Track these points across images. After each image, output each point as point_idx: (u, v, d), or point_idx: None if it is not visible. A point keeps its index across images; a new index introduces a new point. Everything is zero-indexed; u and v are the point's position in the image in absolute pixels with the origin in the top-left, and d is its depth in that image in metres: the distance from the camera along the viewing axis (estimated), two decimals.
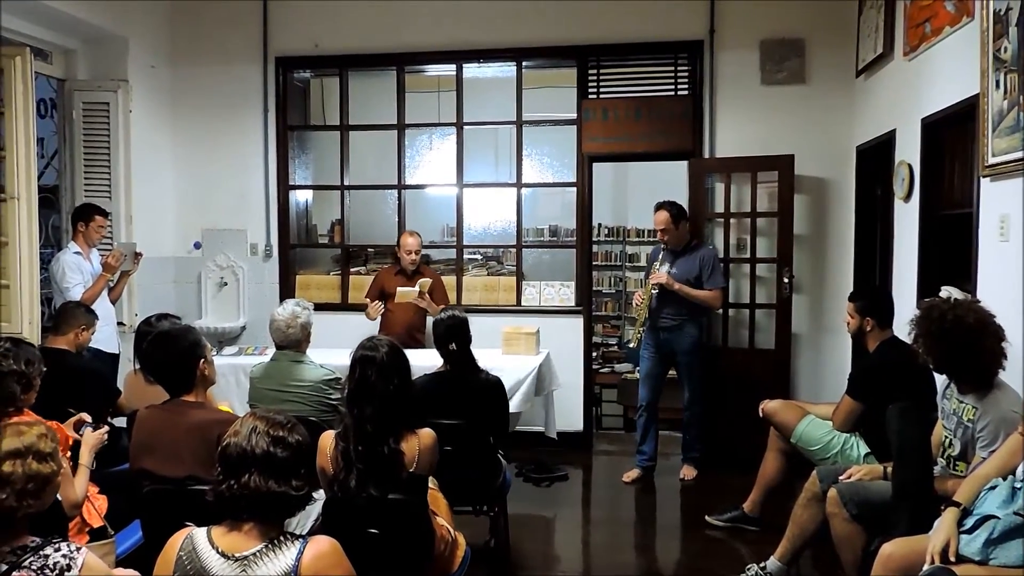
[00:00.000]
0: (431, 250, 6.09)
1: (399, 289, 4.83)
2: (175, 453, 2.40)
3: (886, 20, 4.21)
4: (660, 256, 4.67)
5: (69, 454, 2.61)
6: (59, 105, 5.23)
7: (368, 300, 5.04)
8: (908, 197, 3.93)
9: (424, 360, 3.54)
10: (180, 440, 2.41)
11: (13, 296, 4.13)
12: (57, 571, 1.55)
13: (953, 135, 3.54)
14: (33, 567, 1.55)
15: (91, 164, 5.11)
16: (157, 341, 2.68)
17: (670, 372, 4.80)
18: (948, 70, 3.46)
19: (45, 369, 2.66)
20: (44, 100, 5.56)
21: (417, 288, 4.78)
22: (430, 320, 4.95)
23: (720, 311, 5.02)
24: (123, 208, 5.10)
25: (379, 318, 5.00)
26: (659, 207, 4.62)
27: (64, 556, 1.58)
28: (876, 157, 4.54)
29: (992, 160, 2.97)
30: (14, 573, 1.53)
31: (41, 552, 1.57)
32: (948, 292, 3.09)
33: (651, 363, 4.70)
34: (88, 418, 2.88)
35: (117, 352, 4.58)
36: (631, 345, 5.01)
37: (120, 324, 4.86)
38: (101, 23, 4.93)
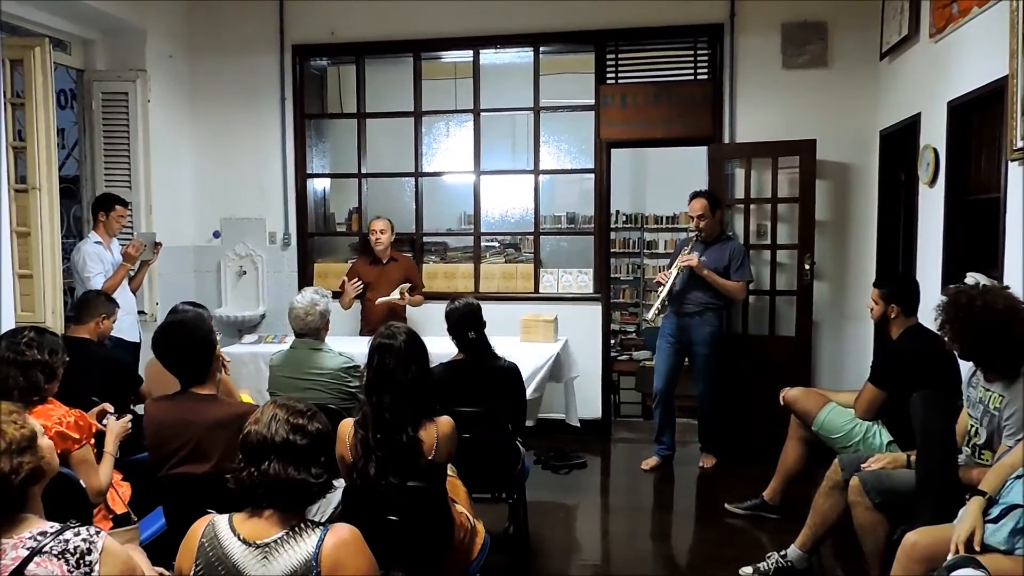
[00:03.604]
0: (449, 237, 6.09)
1: (379, 300, 4.83)
2: (199, 451, 2.38)
3: (912, 1, 4.12)
4: (691, 244, 4.65)
5: (93, 442, 2.64)
6: (79, 96, 5.26)
7: (342, 289, 4.93)
8: (933, 182, 3.86)
9: (434, 348, 3.51)
10: (203, 438, 2.38)
11: (36, 286, 4.17)
12: (78, 555, 1.56)
13: (980, 118, 3.47)
14: (54, 552, 1.55)
15: (111, 154, 5.15)
16: (167, 331, 2.55)
17: (686, 360, 4.77)
18: (976, 51, 3.38)
19: (68, 359, 2.68)
20: (64, 91, 5.60)
21: (396, 294, 4.79)
22: (410, 309, 4.98)
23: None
24: (143, 198, 5.14)
25: (359, 309, 4.99)
26: (695, 195, 4.61)
27: (84, 540, 1.58)
28: (900, 141, 4.46)
29: (1021, 144, 2.90)
30: (35, 559, 1.53)
31: (61, 536, 1.57)
32: (974, 278, 3.03)
33: (667, 352, 4.66)
34: (110, 408, 2.91)
35: (138, 341, 4.62)
36: (648, 317, 4.95)
37: (141, 313, 4.91)
38: (119, 13, 4.94)
